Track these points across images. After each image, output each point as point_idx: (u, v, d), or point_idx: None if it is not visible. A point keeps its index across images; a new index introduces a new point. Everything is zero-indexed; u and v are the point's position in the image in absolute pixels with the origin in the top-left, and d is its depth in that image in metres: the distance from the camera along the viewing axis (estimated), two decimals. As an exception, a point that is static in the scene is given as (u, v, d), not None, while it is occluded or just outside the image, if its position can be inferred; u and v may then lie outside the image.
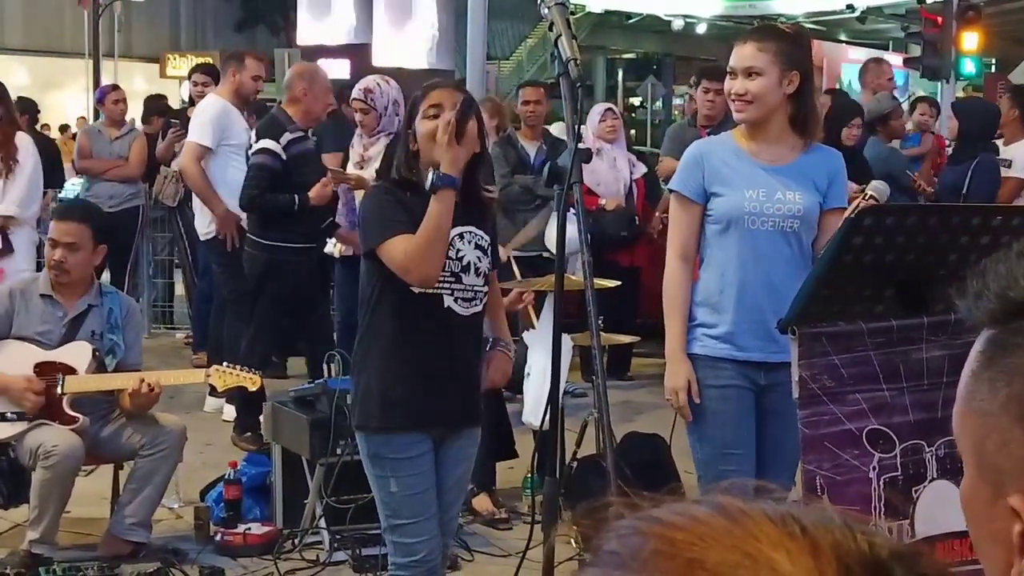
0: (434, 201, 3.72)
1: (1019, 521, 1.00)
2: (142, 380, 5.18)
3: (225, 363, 5.50)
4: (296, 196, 6.98)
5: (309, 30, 27.97)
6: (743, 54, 4.03)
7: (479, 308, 3.91)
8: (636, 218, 8.89)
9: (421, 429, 3.83)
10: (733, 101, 4.07)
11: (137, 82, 28.23)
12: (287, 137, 7.00)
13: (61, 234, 5.36)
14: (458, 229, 3.82)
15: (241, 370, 5.41)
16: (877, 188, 3.95)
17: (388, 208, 3.81)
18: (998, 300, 1.05)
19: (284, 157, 6.97)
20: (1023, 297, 1.03)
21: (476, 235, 3.90)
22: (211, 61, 12.87)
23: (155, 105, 11.46)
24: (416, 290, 3.78)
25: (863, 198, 3.83)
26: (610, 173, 8.85)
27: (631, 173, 8.96)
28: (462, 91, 3.98)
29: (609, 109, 9.18)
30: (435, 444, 3.88)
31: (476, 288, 3.87)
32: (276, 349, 7.95)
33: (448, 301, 3.82)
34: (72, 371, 5.25)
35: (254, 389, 5.57)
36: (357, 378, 3.94)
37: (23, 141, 6.98)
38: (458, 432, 3.93)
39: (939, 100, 15.84)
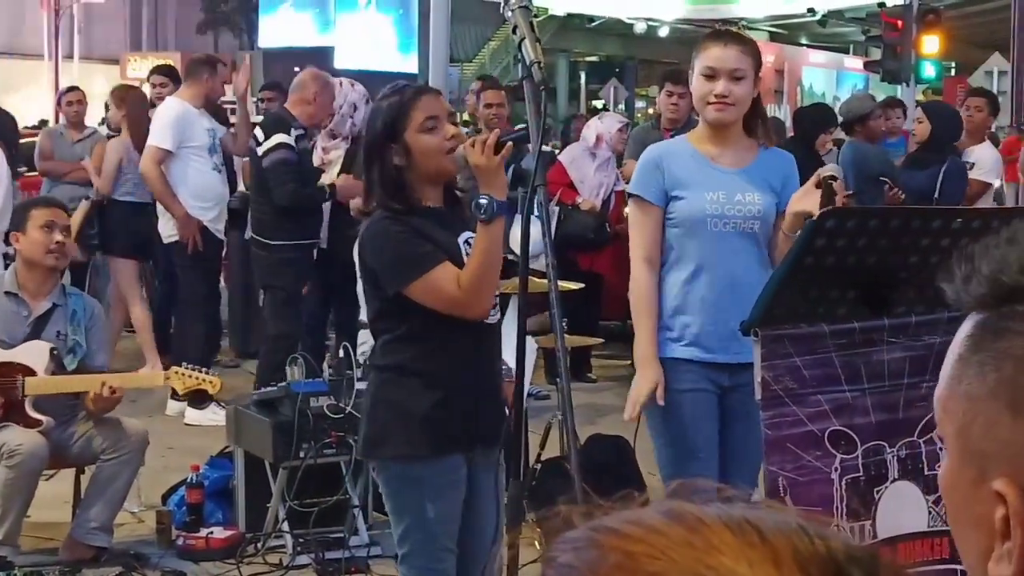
0: (487, 229, 3.48)
1: (1002, 505, 1.00)
2: (103, 383, 5.15)
3: (184, 364, 5.47)
4: (327, 188, 7.16)
5: (271, 32, 27.92)
6: (729, 56, 4.00)
7: (499, 314, 3.76)
8: (607, 225, 8.91)
9: (467, 448, 3.65)
10: (711, 103, 4.03)
11: (98, 83, 28.04)
12: (294, 133, 7.09)
13: (57, 216, 5.34)
14: (464, 235, 3.64)
15: (201, 372, 5.39)
16: (832, 169, 3.90)
17: (408, 243, 3.53)
18: (989, 284, 1.04)
19: (296, 150, 7.08)
20: (1015, 281, 1.03)
21: None
22: (171, 63, 12.78)
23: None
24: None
25: (821, 177, 3.79)
26: (596, 176, 8.98)
27: (615, 183, 9.04)
28: (440, 95, 3.78)
29: (627, 123, 9.58)
30: (468, 466, 3.69)
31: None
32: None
33: None
34: (31, 372, 5.21)
35: (214, 392, 5.55)
36: (389, 407, 3.66)
37: None
38: (492, 442, 3.70)
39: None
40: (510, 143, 3.48)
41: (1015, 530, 0.99)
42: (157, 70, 9.67)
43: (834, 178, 3.78)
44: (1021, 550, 0.99)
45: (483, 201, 3.45)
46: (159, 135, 7.72)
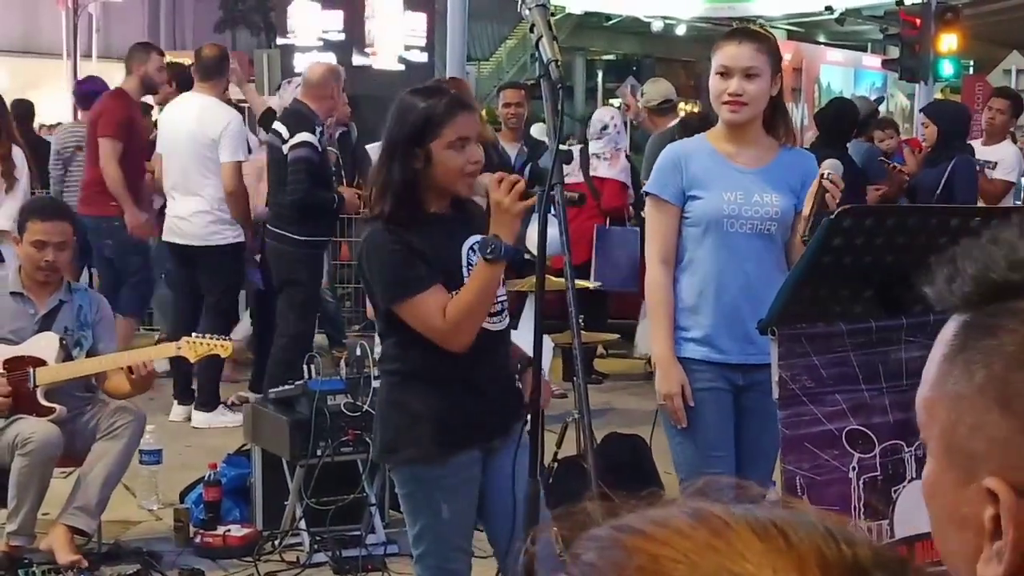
0: (486, 268, 3.45)
1: (992, 505, 0.99)
2: (139, 362, 5.13)
3: (194, 333, 5.46)
4: (335, 196, 7.26)
5: (289, 29, 27.88)
6: (743, 55, 3.97)
7: (507, 319, 3.72)
8: None
9: (479, 445, 3.64)
10: (725, 102, 4.01)
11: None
12: (318, 130, 7.13)
13: (51, 234, 5.27)
14: (470, 241, 3.60)
15: (211, 338, 5.35)
16: (833, 165, 3.89)
17: (401, 264, 3.50)
18: (975, 283, 1.04)
19: (320, 150, 7.12)
20: (1004, 278, 1.03)
21: None
22: (189, 60, 12.83)
23: None
24: None
25: (823, 177, 3.80)
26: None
27: None
28: (476, 111, 3.73)
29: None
30: (484, 456, 3.69)
31: (499, 299, 3.64)
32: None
33: None
34: (42, 363, 5.21)
35: (226, 355, 5.55)
36: (399, 411, 3.65)
37: (18, 156, 6.98)
38: (507, 432, 3.68)
39: (917, 101, 15.81)
40: (534, 197, 3.40)
41: (1006, 528, 0.98)
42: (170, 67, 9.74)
43: (832, 176, 3.77)
44: (1013, 548, 0.97)
45: (491, 241, 3.42)
46: (242, 149, 7.59)
